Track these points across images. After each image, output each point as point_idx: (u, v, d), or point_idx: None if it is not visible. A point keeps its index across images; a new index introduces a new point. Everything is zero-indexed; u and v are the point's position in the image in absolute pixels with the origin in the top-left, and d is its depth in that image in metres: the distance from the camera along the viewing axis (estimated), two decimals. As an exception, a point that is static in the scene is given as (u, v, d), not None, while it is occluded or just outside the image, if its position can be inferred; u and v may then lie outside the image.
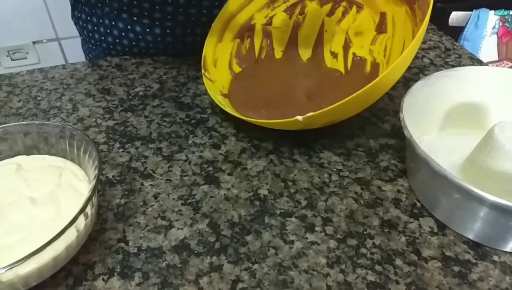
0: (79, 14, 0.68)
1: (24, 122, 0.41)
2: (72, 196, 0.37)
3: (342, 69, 0.57)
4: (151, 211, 0.41)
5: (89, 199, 0.33)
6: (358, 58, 0.56)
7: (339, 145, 0.48)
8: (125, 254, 0.37)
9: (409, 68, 0.59)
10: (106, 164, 0.46)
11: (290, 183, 0.44)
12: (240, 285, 0.34)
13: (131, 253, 0.37)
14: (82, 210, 0.32)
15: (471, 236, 0.38)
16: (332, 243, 0.38)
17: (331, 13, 0.58)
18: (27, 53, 1.26)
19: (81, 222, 0.33)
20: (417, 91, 0.44)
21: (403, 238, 0.38)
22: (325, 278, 0.35)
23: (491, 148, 0.39)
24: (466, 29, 1.20)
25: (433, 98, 0.46)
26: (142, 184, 0.44)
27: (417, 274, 0.35)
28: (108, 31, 0.65)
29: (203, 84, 0.53)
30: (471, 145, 0.42)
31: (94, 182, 0.35)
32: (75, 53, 1.01)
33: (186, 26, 0.64)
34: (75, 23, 0.71)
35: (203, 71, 0.54)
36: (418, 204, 0.41)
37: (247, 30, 0.60)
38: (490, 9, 1.18)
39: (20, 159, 0.41)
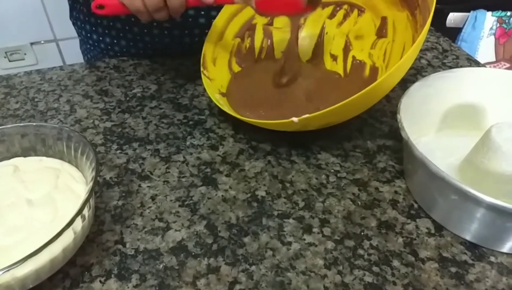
0: (77, 15, 0.68)
1: (21, 124, 0.41)
2: (69, 198, 0.37)
3: (341, 72, 0.57)
4: (149, 212, 0.41)
5: (86, 201, 0.33)
6: (358, 61, 0.56)
7: (337, 147, 0.48)
8: (123, 256, 0.37)
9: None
10: (103, 166, 0.46)
11: (287, 185, 0.44)
12: (237, 287, 0.34)
13: (128, 255, 0.37)
14: (79, 212, 0.32)
15: (468, 237, 0.38)
16: (330, 244, 0.38)
17: (332, 15, 0.59)
18: (25, 54, 1.26)
19: (78, 224, 0.33)
20: (414, 93, 0.44)
21: (400, 239, 0.38)
22: (323, 279, 0.35)
23: (488, 149, 0.39)
24: (463, 30, 1.20)
25: (431, 99, 0.46)
26: (139, 185, 0.44)
27: (414, 275, 0.35)
28: (106, 31, 0.65)
29: (201, 85, 0.53)
30: (468, 146, 0.42)
31: (91, 184, 0.35)
32: (73, 54, 1.01)
33: (184, 27, 0.64)
34: (73, 24, 0.71)
35: (202, 69, 0.54)
36: (415, 205, 0.42)
37: (248, 30, 0.60)
38: (488, 10, 1.18)
39: (17, 160, 0.41)
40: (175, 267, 0.36)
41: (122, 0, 0.47)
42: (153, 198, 0.42)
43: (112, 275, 0.35)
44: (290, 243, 0.38)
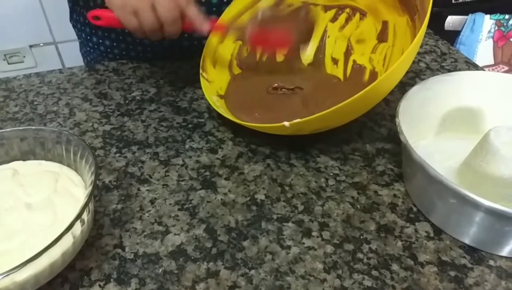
0: (77, 17, 0.68)
1: (20, 127, 0.41)
2: (69, 201, 0.37)
3: (341, 76, 0.57)
4: (148, 216, 0.41)
5: (85, 205, 0.33)
6: (358, 65, 0.56)
7: (336, 150, 0.49)
8: (122, 260, 0.37)
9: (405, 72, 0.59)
10: (102, 169, 0.46)
11: (287, 188, 0.44)
12: (237, 291, 0.34)
13: (127, 259, 0.37)
14: (79, 216, 0.32)
15: (467, 240, 0.38)
16: (329, 248, 0.38)
17: (334, 19, 0.59)
18: (24, 56, 1.26)
19: (78, 228, 0.33)
20: (413, 96, 0.44)
21: (400, 243, 0.38)
22: (322, 283, 0.35)
23: (486, 153, 0.39)
24: (462, 33, 1.20)
25: (429, 102, 0.46)
26: (138, 189, 0.44)
27: (414, 279, 0.35)
28: (106, 34, 0.65)
29: (201, 88, 0.53)
30: (467, 150, 0.42)
31: (90, 187, 0.35)
32: (72, 57, 1.01)
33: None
34: (73, 26, 0.71)
35: (201, 71, 0.54)
36: (414, 209, 0.42)
37: None
38: (486, 13, 1.18)
39: (16, 164, 0.41)
40: (174, 271, 0.36)
41: (119, 16, 0.47)
42: (152, 201, 0.42)
43: (111, 279, 0.35)
44: (289, 247, 0.38)
